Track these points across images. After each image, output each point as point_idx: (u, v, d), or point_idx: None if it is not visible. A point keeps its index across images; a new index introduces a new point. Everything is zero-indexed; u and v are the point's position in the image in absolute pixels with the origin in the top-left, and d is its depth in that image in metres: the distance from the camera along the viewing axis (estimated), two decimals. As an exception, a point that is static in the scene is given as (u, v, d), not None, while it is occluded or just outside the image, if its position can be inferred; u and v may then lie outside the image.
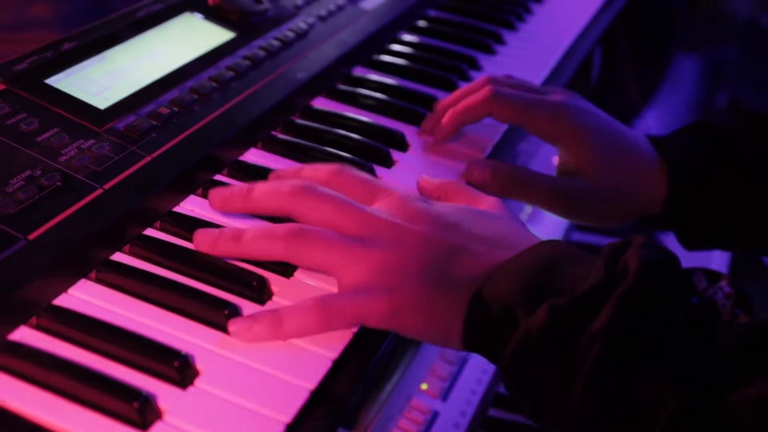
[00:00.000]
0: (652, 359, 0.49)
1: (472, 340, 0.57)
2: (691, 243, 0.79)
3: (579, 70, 1.38)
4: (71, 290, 0.57)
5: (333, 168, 0.64)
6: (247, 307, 0.58)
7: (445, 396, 0.89)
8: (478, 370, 0.94)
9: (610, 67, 1.51)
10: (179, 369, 0.51)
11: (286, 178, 0.66)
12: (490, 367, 0.94)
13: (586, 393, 0.50)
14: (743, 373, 0.47)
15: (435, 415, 0.87)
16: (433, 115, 0.82)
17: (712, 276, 0.52)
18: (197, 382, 0.52)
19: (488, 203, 0.66)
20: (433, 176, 0.71)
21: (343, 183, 0.63)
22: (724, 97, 2.68)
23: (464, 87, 0.81)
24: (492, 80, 0.79)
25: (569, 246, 0.58)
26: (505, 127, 0.84)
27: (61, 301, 0.56)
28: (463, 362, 0.94)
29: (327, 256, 0.58)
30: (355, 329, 0.58)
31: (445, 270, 0.57)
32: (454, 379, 0.91)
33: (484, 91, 0.77)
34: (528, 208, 1.27)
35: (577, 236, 1.32)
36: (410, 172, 0.75)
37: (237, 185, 0.65)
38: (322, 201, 0.60)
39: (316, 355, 0.55)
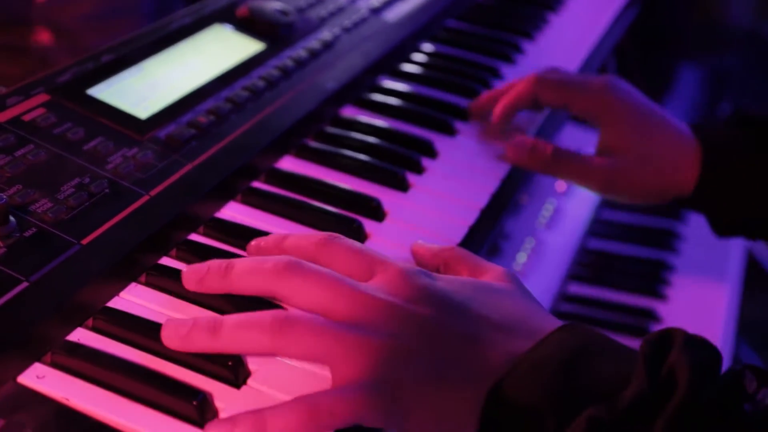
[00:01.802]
0: None
1: None
2: (722, 228, 0.82)
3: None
4: (123, 293, 0.59)
5: (320, 238, 0.57)
6: (293, 309, 0.59)
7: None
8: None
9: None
10: (232, 368, 0.53)
11: (269, 249, 0.59)
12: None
13: None
14: None
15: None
16: (477, 102, 0.86)
17: (761, 374, 0.48)
18: (250, 381, 0.53)
19: (495, 274, 0.58)
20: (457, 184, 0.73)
21: (332, 255, 0.56)
22: (727, 106, 2.70)
23: (510, 82, 0.86)
24: (539, 71, 0.84)
25: (594, 333, 0.52)
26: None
27: (115, 303, 0.58)
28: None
29: (317, 348, 0.50)
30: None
31: (455, 362, 0.50)
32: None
33: (530, 77, 0.82)
34: (562, 187, 1.30)
35: (608, 213, 1.34)
36: (440, 179, 0.77)
37: (214, 262, 0.56)
38: (310, 280, 0.52)
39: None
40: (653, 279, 1.21)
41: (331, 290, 0.52)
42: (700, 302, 1.16)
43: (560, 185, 1.31)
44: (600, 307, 1.17)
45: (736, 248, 1.27)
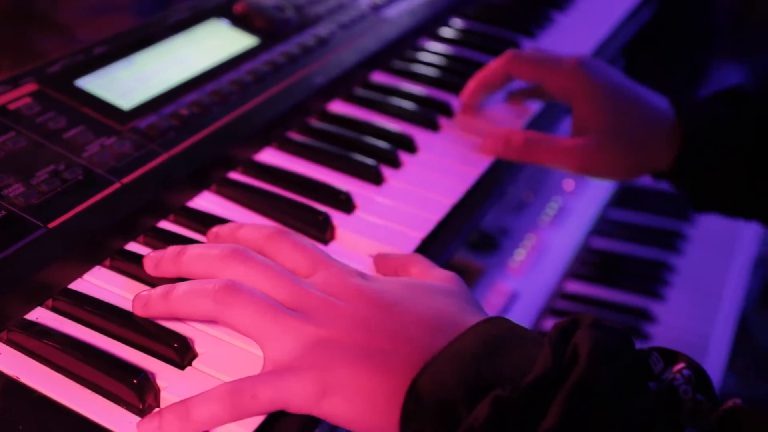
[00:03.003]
0: None
1: None
2: (699, 203, 0.82)
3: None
4: (86, 276, 0.61)
5: (272, 231, 0.60)
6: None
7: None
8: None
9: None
10: (178, 350, 0.55)
11: (224, 237, 0.62)
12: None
13: None
14: None
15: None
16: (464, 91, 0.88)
17: (669, 355, 0.49)
18: (195, 363, 0.56)
19: (441, 276, 0.61)
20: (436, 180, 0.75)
21: (280, 249, 0.59)
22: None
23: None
24: (515, 50, 0.86)
25: (514, 325, 0.54)
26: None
27: (76, 285, 0.60)
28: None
29: (255, 321, 0.53)
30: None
31: (380, 353, 0.52)
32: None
33: (504, 54, 0.83)
34: (569, 185, 1.30)
35: (615, 213, 1.34)
36: (416, 174, 0.78)
37: (171, 247, 0.60)
38: (253, 268, 0.56)
39: None
40: (653, 279, 1.21)
41: (271, 280, 0.56)
42: (697, 304, 1.15)
43: (568, 184, 1.31)
44: (595, 305, 1.17)
45: (741, 253, 1.25)
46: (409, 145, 0.82)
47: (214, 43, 0.88)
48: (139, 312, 0.57)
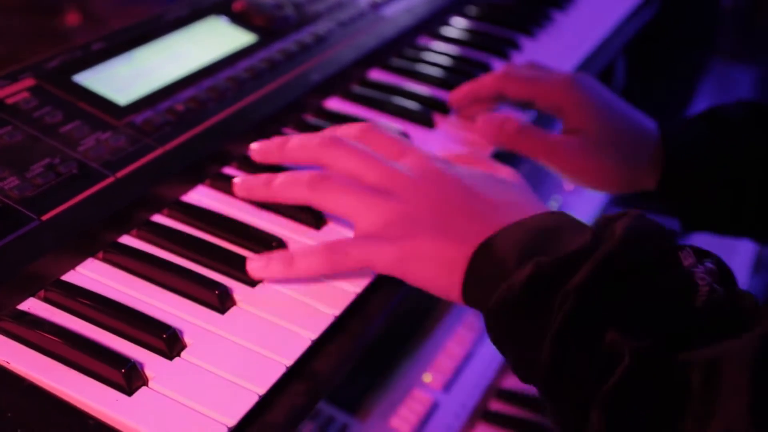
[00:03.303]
0: (618, 318, 0.51)
1: (470, 293, 0.60)
2: (685, 224, 0.82)
3: (602, 79, 1.40)
4: (79, 267, 0.62)
5: (364, 125, 0.70)
6: (239, 287, 0.62)
7: (447, 388, 0.93)
8: (483, 365, 0.97)
9: (635, 79, 1.52)
10: (167, 341, 0.56)
11: (324, 132, 0.71)
12: (495, 363, 0.97)
13: (554, 345, 0.52)
14: (700, 338, 0.49)
15: (435, 405, 0.91)
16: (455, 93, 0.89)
17: (701, 254, 0.55)
18: (184, 354, 0.57)
19: (506, 172, 0.70)
20: None
21: (372, 139, 0.68)
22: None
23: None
24: (509, 65, 0.87)
25: (573, 219, 0.61)
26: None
27: (69, 277, 0.61)
28: (468, 357, 0.97)
29: (345, 201, 0.63)
30: (337, 313, 0.62)
31: (454, 226, 0.62)
32: (458, 372, 0.95)
33: (498, 70, 0.85)
34: (570, 184, 1.30)
35: (616, 211, 1.34)
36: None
37: (275, 138, 0.71)
38: (348, 152, 0.65)
39: (297, 335, 0.60)
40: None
41: (364, 162, 0.65)
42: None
43: (568, 183, 1.31)
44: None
45: (740, 254, 1.26)
46: (404, 142, 0.83)
47: (212, 40, 0.88)
48: (242, 195, 0.68)
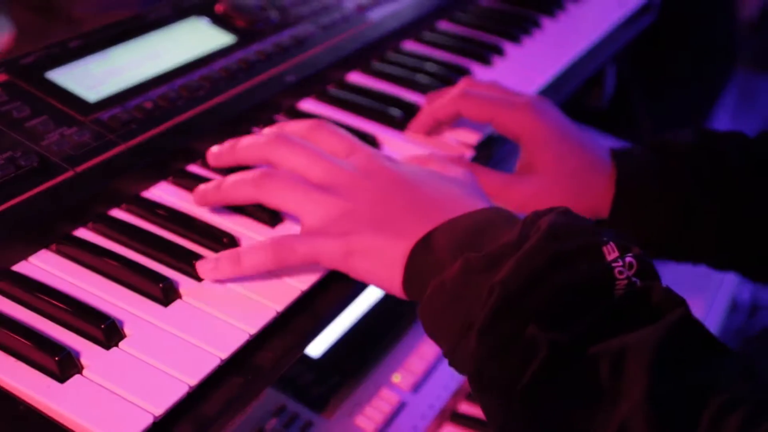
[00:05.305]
0: (539, 311, 0.52)
1: (410, 288, 0.63)
2: (643, 249, 0.82)
3: (592, 89, 1.40)
4: (31, 258, 0.64)
5: (313, 122, 0.72)
6: (185, 282, 0.64)
7: (416, 389, 0.94)
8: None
9: (624, 88, 1.52)
10: (105, 331, 0.57)
11: (272, 132, 0.72)
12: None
13: (479, 339, 0.53)
14: (615, 330, 0.51)
15: (403, 405, 0.91)
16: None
17: (625, 249, 0.55)
18: (122, 344, 0.58)
19: (457, 172, 0.71)
20: None
21: (319, 136, 0.70)
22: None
23: (445, 88, 0.87)
24: (469, 82, 0.85)
25: (511, 213, 0.63)
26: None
27: (20, 267, 0.63)
28: (440, 359, 0.98)
29: (291, 197, 0.65)
30: (280, 308, 0.63)
31: (395, 222, 0.63)
32: (428, 374, 0.95)
33: (455, 90, 0.84)
34: None
35: None
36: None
37: (227, 142, 0.73)
38: (294, 149, 0.67)
39: (236, 329, 0.61)
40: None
41: (310, 158, 0.67)
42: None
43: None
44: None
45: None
46: (371, 144, 0.84)
47: (191, 40, 0.90)
48: (199, 202, 0.70)
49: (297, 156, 0.67)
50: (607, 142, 0.84)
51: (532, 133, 0.80)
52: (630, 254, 0.54)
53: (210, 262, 0.64)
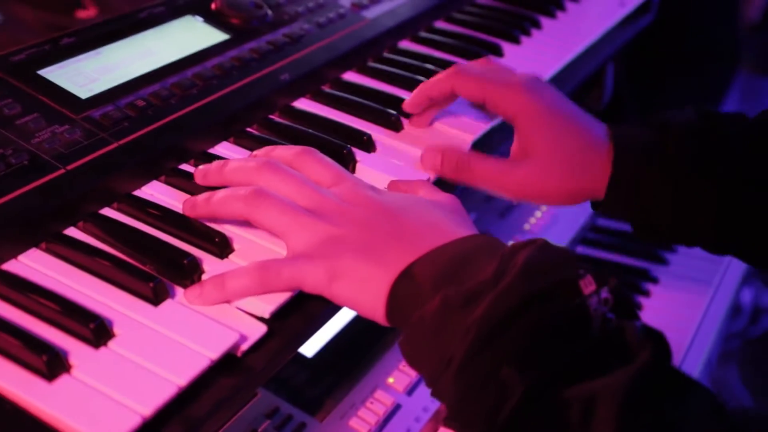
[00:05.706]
0: (513, 352, 0.52)
1: (393, 317, 0.62)
2: (639, 231, 0.81)
3: (592, 88, 1.40)
4: (21, 257, 0.63)
5: (300, 149, 0.71)
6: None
7: (410, 391, 0.93)
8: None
9: (622, 90, 1.51)
10: (94, 330, 0.57)
11: (259, 155, 0.73)
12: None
13: (456, 379, 0.54)
14: (589, 372, 0.51)
15: (397, 407, 0.91)
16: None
17: (602, 280, 0.55)
18: (111, 344, 0.57)
19: (444, 198, 0.71)
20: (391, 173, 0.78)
21: (306, 164, 0.70)
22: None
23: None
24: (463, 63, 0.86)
25: (495, 240, 0.63)
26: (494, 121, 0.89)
27: (9, 266, 0.62)
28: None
29: (280, 219, 0.64)
30: (272, 309, 0.62)
31: (378, 251, 0.63)
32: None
33: (450, 68, 0.83)
34: (538, 213, 1.30)
35: (581, 249, 1.33)
36: (366, 171, 0.79)
37: (215, 162, 0.72)
38: (282, 178, 0.67)
39: (228, 330, 0.60)
40: (631, 287, 1.20)
41: (296, 187, 0.67)
42: (672, 315, 1.14)
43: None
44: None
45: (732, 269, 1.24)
46: (366, 144, 0.83)
47: (184, 38, 0.89)
48: (188, 213, 0.69)
49: (284, 183, 0.67)
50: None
51: (525, 112, 0.79)
52: (606, 287, 0.54)
53: (195, 288, 0.63)
